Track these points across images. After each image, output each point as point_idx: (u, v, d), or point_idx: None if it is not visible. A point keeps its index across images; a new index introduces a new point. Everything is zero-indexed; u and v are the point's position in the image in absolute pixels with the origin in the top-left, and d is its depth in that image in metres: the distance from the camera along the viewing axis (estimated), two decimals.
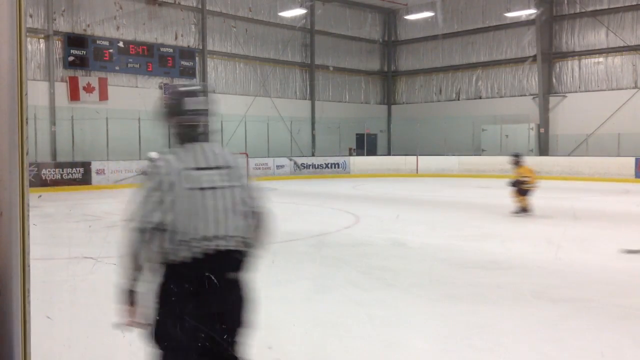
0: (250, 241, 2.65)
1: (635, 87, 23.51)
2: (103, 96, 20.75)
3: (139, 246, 2.36)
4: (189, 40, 23.65)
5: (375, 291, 5.88)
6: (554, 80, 25.74)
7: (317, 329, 4.74)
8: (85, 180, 19.01)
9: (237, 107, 24.89)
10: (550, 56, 25.52)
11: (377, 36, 31.14)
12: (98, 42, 20.80)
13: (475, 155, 26.21)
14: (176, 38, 23.21)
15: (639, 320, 4.96)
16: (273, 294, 5.80)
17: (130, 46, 21.62)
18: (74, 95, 20.22)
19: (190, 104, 2.53)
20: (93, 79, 20.62)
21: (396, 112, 31.68)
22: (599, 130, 23.91)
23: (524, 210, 11.41)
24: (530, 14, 25.34)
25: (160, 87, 22.77)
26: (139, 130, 21.54)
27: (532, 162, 23.95)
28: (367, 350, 4.24)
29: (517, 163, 11.52)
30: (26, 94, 1.20)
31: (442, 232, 9.75)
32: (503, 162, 24.62)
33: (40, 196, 15.87)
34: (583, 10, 24.44)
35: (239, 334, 2.56)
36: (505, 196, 15.85)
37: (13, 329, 1.18)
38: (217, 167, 2.51)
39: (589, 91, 24.77)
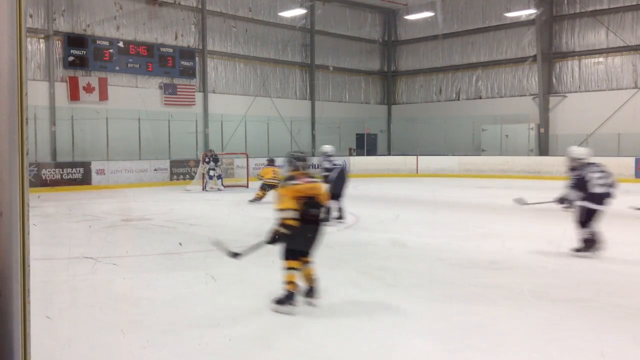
0: None
1: (635, 87, 23.51)
2: (103, 96, 20.75)
3: None
4: (189, 40, 23.65)
5: (375, 291, 5.88)
6: (554, 80, 25.74)
7: (317, 329, 4.74)
8: (85, 180, 19.01)
9: (237, 107, 24.89)
10: (550, 56, 25.52)
11: (377, 36, 31.13)
12: (98, 42, 20.79)
13: (475, 155, 26.20)
14: (176, 38, 23.22)
15: (639, 320, 4.96)
16: (273, 294, 5.80)
17: (130, 46, 21.61)
18: (74, 95, 20.21)
19: None
20: (93, 79, 20.62)
21: (396, 112, 31.68)
22: (599, 130, 23.91)
23: (257, 198, 14.59)
24: (530, 14, 25.34)
25: (160, 87, 22.77)
26: (139, 130, 21.53)
27: (532, 161, 24.09)
28: (367, 350, 4.24)
29: (269, 165, 15.34)
30: (26, 94, 1.20)
31: (442, 232, 9.75)
32: (503, 162, 24.71)
33: (40, 196, 15.88)
34: (583, 10, 24.44)
35: None
36: (506, 196, 15.86)
37: (13, 329, 1.18)
38: None
39: (589, 91, 24.77)
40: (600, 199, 7.41)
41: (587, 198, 7.42)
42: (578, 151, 8.05)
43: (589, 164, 7.71)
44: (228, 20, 24.89)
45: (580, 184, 7.51)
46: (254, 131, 25.23)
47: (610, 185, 7.49)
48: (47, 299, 5.54)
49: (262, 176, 15.01)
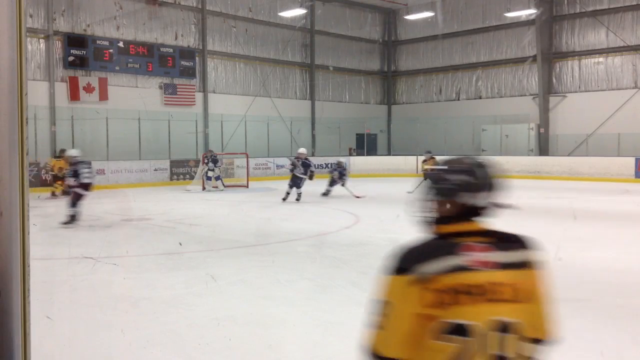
0: None
1: (635, 87, 23.51)
2: (103, 96, 20.75)
3: None
4: (189, 40, 23.65)
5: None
6: (554, 80, 25.74)
7: (317, 329, 4.74)
8: None
9: (237, 107, 24.89)
10: (550, 56, 25.52)
11: (377, 36, 31.13)
12: (98, 42, 20.79)
13: (475, 155, 26.17)
14: (176, 38, 23.22)
15: (638, 320, 4.96)
16: (273, 294, 5.80)
17: (130, 46, 21.61)
18: (74, 95, 20.21)
19: None
20: (93, 79, 20.62)
21: (396, 112, 31.68)
22: (599, 130, 23.91)
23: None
24: (530, 14, 25.34)
25: (160, 87, 22.77)
26: (139, 130, 21.53)
27: (532, 161, 24.09)
28: None
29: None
30: (26, 94, 1.20)
31: None
32: (503, 162, 24.67)
33: (40, 196, 15.88)
34: (583, 10, 24.44)
35: None
36: (506, 196, 15.81)
37: (13, 329, 1.18)
38: None
39: (589, 91, 24.77)
40: (87, 187, 10.68)
41: (79, 186, 10.56)
42: (73, 152, 11.54)
43: (81, 162, 10.93)
44: (228, 20, 24.89)
45: (75, 175, 10.67)
46: (254, 131, 25.22)
47: (92, 177, 11.06)
48: (47, 299, 5.54)
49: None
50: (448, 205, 1.61)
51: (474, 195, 1.59)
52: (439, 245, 1.57)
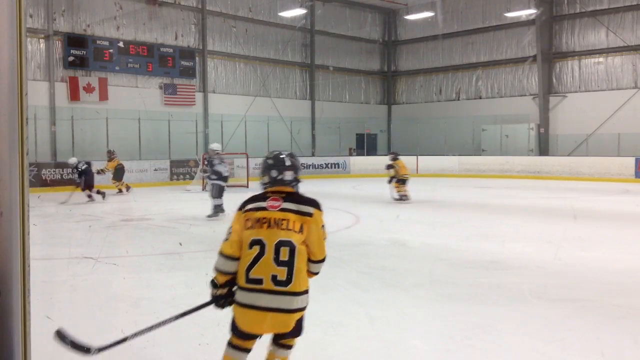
0: None
1: (635, 87, 23.51)
2: (103, 96, 20.74)
3: None
4: (189, 40, 23.65)
5: (375, 291, 5.88)
6: (554, 80, 25.73)
7: (317, 329, 4.74)
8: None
9: (237, 107, 24.89)
10: (550, 56, 25.51)
11: (377, 36, 31.13)
12: (98, 42, 20.79)
13: (475, 155, 26.20)
14: (176, 38, 23.21)
15: (639, 320, 4.96)
16: None
17: (130, 46, 21.61)
18: (74, 95, 20.21)
19: None
20: (93, 79, 20.61)
21: (396, 112, 31.67)
22: (599, 130, 23.91)
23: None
24: (530, 14, 25.34)
25: (160, 87, 22.76)
26: (139, 130, 21.53)
27: (532, 161, 24.07)
28: (367, 350, 4.24)
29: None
30: (26, 94, 1.21)
31: (442, 232, 9.75)
32: (503, 162, 24.71)
33: (40, 196, 15.87)
34: (583, 10, 24.43)
35: None
36: (506, 196, 15.87)
37: (13, 329, 1.18)
38: None
39: (589, 91, 24.77)
40: (226, 179, 11.48)
41: (219, 179, 11.40)
42: (214, 146, 12.09)
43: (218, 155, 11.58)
44: (228, 20, 24.88)
45: (213, 168, 11.42)
46: (254, 131, 25.22)
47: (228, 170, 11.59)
48: (47, 299, 5.54)
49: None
50: (267, 177, 3.08)
51: (279, 172, 3.06)
52: (258, 196, 3.01)
